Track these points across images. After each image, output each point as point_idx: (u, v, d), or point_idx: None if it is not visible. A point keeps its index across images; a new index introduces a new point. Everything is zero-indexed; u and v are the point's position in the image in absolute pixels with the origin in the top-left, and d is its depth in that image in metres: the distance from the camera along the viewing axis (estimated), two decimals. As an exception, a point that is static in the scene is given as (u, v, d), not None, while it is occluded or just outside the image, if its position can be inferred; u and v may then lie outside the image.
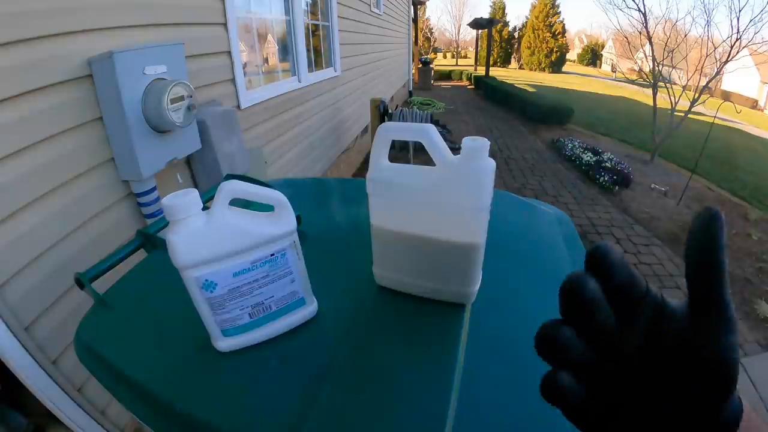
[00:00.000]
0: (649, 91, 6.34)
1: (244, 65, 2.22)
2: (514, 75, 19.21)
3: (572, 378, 0.21)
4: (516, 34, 27.06)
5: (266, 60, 2.77)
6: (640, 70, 7.24)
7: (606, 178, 4.62)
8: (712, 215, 0.20)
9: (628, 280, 0.20)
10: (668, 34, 6.48)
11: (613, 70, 24.60)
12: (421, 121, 4.90)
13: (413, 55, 10.41)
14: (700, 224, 0.20)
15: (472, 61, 22.86)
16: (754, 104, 17.09)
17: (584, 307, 0.20)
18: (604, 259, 0.19)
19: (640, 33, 6.53)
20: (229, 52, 1.98)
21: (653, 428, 0.21)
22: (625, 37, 7.69)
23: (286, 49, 2.98)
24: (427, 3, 16.10)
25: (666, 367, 0.21)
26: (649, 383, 0.21)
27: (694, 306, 0.21)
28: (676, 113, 5.68)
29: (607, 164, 4.96)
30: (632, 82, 8.86)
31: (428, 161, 0.48)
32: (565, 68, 25.02)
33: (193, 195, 0.43)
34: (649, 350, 0.21)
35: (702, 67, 6.03)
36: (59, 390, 1.13)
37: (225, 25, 1.94)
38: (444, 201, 0.47)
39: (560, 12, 22.78)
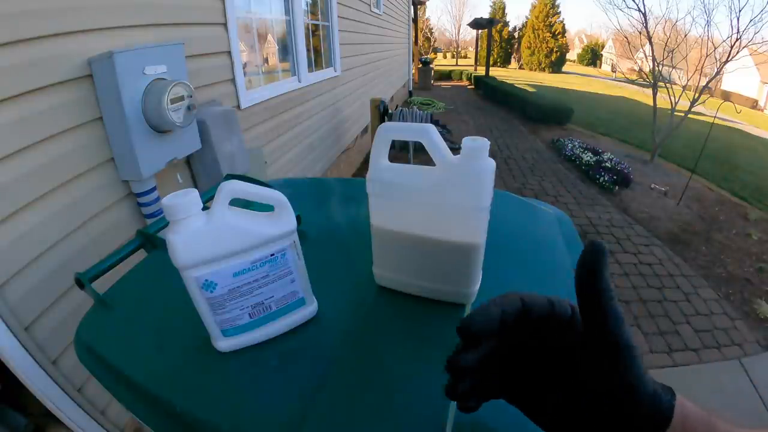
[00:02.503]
0: (649, 91, 6.34)
1: (244, 65, 2.22)
2: (514, 75, 19.21)
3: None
4: (516, 34, 27.05)
5: (266, 60, 2.77)
6: (640, 70, 7.23)
7: (606, 178, 4.62)
8: (594, 250, 0.24)
9: (498, 328, 0.26)
10: (668, 34, 6.48)
11: (613, 70, 24.59)
12: (421, 121, 4.90)
13: (413, 55, 10.42)
14: (584, 259, 0.24)
15: (472, 61, 22.87)
16: (754, 104, 17.08)
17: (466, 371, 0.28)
18: (467, 332, 0.26)
19: (640, 33, 6.52)
20: (229, 52, 1.98)
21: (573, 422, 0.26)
22: (625, 37, 7.67)
23: (286, 49, 2.98)
24: (427, 3, 16.10)
25: (568, 383, 0.27)
26: (562, 389, 0.27)
27: (585, 338, 0.25)
28: (676, 113, 5.67)
29: (607, 164, 4.96)
30: (632, 82, 8.84)
31: (428, 161, 0.48)
32: (565, 68, 25.02)
33: (193, 195, 0.42)
34: (547, 359, 0.28)
35: (702, 67, 6.02)
36: (59, 390, 1.13)
37: (225, 25, 1.94)
38: (444, 201, 0.47)
39: (560, 12, 22.78)
